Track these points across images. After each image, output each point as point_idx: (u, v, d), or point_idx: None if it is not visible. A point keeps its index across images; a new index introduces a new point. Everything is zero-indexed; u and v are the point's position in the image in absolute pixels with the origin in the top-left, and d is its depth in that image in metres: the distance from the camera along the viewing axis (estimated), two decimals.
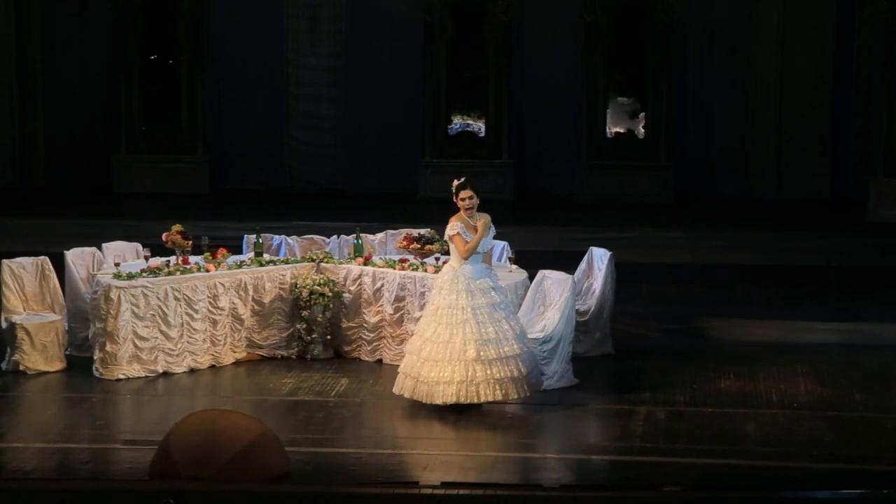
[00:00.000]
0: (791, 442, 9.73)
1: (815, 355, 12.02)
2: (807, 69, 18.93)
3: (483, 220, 10.36)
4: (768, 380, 11.26)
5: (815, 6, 18.93)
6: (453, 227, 10.33)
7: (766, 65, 19.09)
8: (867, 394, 10.88)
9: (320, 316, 11.81)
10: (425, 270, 11.67)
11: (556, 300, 11.10)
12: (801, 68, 18.93)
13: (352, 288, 11.95)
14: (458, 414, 10.24)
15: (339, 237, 12.66)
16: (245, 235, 12.69)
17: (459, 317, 10.25)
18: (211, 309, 11.59)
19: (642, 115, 19.03)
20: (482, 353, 10.17)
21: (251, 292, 11.81)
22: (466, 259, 10.33)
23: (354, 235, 12.46)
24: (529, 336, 10.73)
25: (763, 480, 9.02)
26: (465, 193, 10.39)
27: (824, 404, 10.62)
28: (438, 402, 10.25)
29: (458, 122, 19.37)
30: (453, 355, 10.21)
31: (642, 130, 19.04)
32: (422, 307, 11.55)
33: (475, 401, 10.20)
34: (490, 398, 10.20)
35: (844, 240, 16.40)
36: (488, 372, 10.17)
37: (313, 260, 12.16)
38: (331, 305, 11.82)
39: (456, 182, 10.52)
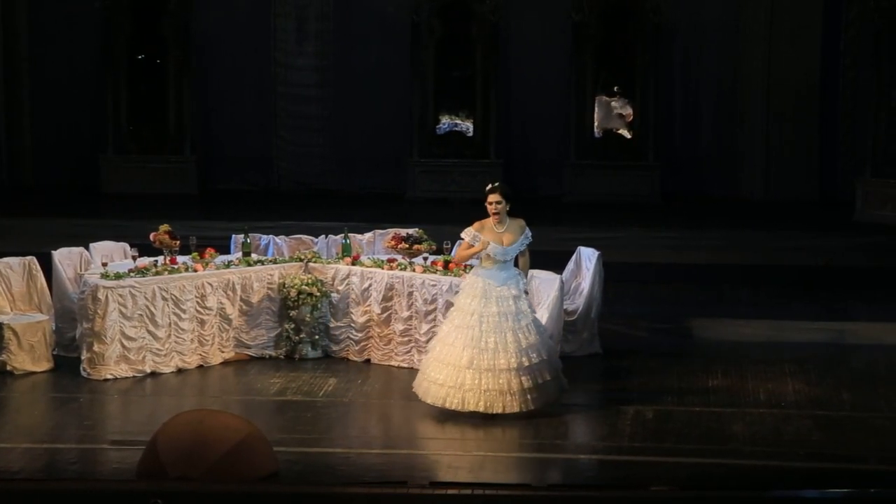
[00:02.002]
0: (779, 441, 9.75)
1: (802, 354, 12.04)
2: (794, 69, 18.98)
3: (511, 226, 10.15)
4: (756, 379, 11.28)
5: (803, 6, 18.98)
6: (467, 231, 10.20)
7: (754, 65, 19.14)
8: (855, 393, 10.91)
9: (308, 316, 11.80)
10: (413, 270, 11.66)
11: (545, 300, 11.11)
12: (789, 68, 18.98)
13: (340, 288, 11.95)
14: (447, 413, 10.24)
15: (327, 237, 12.64)
16: (233, 235, 12.67)
17: (467, 321, 10.14)
18: (199, 309, 11.57)
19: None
20: (475, 362, 10.06)
21: (239, 292, 11.79)
22: (457, 264, 10.30)
23: (342, 235, 12.45)
24: None
25: (751, 480, 9.03)
26: (492, 198, 10.18)
27: (812, 403, 10.64)
28: (429, 401, 10.23)
29: (446, 121, 19.38)
30: (450, 358, 10.15)
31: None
32: (409, 307, 11.58)
33: (459, 408, 10.10)
34: (472, 408, 10.07)
35: (832, 239, 16.44)
36: (477, 381, 10.05)
37: (301, 260, 12.15)
38: (319, 305, 11.82)
39: (489, 185, 10.34)
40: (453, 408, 10.12)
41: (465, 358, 10.09)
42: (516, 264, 10.31)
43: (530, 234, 10.29)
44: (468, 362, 10.08)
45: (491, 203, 10.19)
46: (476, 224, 10.20)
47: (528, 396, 10.09)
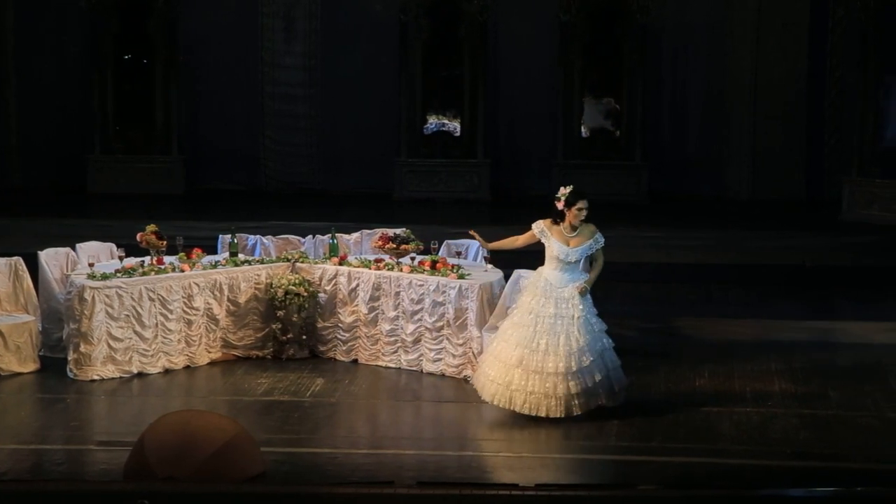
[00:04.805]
0: (765, 440, 9.77)
1: (789, 353, 12.07)
2: (781, 69, 19.05)
3: (581, 230, 10.13)
4: (743, 378, 11.30)
5: (790, 7, 19.04)
6: (536, 224, 10.19)
7: (741, 65, 19.19)
8: (841, 392, 10.94)
9: (295, 316, 11.78)
10: (401, 270, 11.66)
11: None
12: (776, 68, 19.05)
13: (327, 288, 11.94)
14: (433, 413, 10.23)
15: (314, 237, 12.64)
16: (220, 235, 12.65)
17: (525, 319, 10.10)
18: (186, 309, 11.56)
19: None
20: (524, 362, 9.99)
21: (226, 292, 11.78)
22: (492, 247, 10.56)
23: (330, 235, 12.44)
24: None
25: (738, 478, 9.04)
26: (582, 204, 10.11)
27: (798, 402, 10.67)
28: (484, 397, 10.20)
29: (433, 121, 19.40)
30: (502, 355, 10.12)
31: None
32: (396, 307, 11.57)
33: (507, 406, 10.05)
34: (518, 408, 10.00)
35: (819, 239, 16.49)
36: (524, 382, 9.98)
37: (289, 260, 12.13)
38: (306, 305, 11.80)
39: (564, 189, 10.22)
40: (501, 405, 10.10)
41: (515, 356, 10.04)
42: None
43: (602, 239, 10.23)
44: (517, 361, 10.03)
45: (581, 209, 10.12)
46: (548, 220, 10.20)
47: (575, 402, 9.98)
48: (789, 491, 8.57)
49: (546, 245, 10.19)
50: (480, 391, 10.24)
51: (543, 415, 9.96)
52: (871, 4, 17.59)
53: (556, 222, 10.18)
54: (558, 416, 9.97)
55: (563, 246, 10.11)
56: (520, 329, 10.09)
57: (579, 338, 10.05)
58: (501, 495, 8.11)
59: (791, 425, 10.09)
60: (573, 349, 10.01)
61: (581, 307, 10.12)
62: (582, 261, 10.25)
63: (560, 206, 10.17)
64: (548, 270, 10.20)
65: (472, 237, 11.10)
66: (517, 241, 10.48)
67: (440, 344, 11.38)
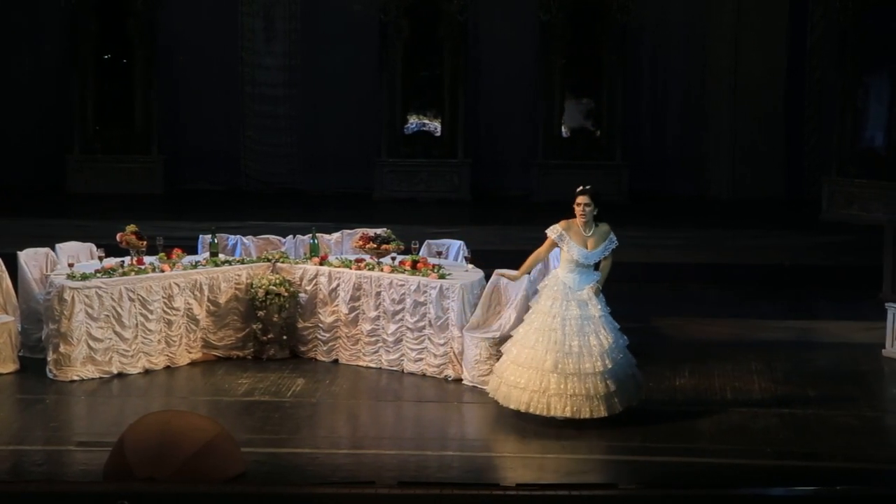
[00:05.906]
0: (745, 439, 9.79)
1: (769, 353, 12.10)
2: (761, 69, 19.11)
3: (597, 231, 10.11)
4: (723, 377, 11.34)
5: (769, 7, 19.11)
6: (553, 228, 10.09)
7: (721, 64, 19.25)
8: (820, 391, 10.98)
9: (276, 316, 11.77)
10: (381, 270, 11.66)
11: (513, 299, 11.12)
12: (755, 68, 19.11)
13: (308, 288, 11.93)
14: (414, 414, 10.22)
15: (294, 237, 12.62)
16: (200, 235, 12.63)
17: (549, 324, 10.00)
18: (166, 309, 11.53)
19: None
20: (560, 366, 9.90)
21: (206, 293, 11.76)
22: (523, 272, 10.38)
23: (310, 235, 12.43)
24: (485, 335, 10.76)
25: (718, 478, 9.07)
26: (581, 199, 10.08)
27: (778, 402, 10.70)
28: (512, 406, 10.05)
29: (414, 121, 19.40)
30: (533, 362, 9.98)
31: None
32: (377, 307, 11.57)
33: (545, 413, 9.93)
34: (559, 413, 9.91)
35: (798, 238, 16.55)
36: (562, 386, 9.88)
37: (269, 260, 12.12)
38: (287, 305, 11.79)
39: (580, 187, 10.21)
40: (538, 413, 9.95)
41: (548, 362, 9.93)
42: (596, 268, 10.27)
43: (615, 239, 10.22)
44: (553, 366, 9.92)
45: (579, 205, 10.09)
46: (563, 222, 10.13)
47: (615, 400, 9.97)
48: (769, 490, 8.60)
49: (564, 249, 10.11)
50: (504, 400, 10.10)
51: (587, 416, 9.90)
52: (850, 5, 17.66)
53: (570, 222, 10.12)
54: (602, 415, 9.91)
55: (583, 249, 10.09)
56: (546, 333, 9.99)
57: (607, 336, 10.05)
58: (482, 495, 8.12)
59: (771, 424, 10.12)
60: (605, 348, 9.99)
61: (599, 307, 10.14)
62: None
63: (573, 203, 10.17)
64: (563, 273, 10.15)
65: (503, 276, 10.95)
66: (540, 254, 10.36)
67: (421, 344, 11.38)
